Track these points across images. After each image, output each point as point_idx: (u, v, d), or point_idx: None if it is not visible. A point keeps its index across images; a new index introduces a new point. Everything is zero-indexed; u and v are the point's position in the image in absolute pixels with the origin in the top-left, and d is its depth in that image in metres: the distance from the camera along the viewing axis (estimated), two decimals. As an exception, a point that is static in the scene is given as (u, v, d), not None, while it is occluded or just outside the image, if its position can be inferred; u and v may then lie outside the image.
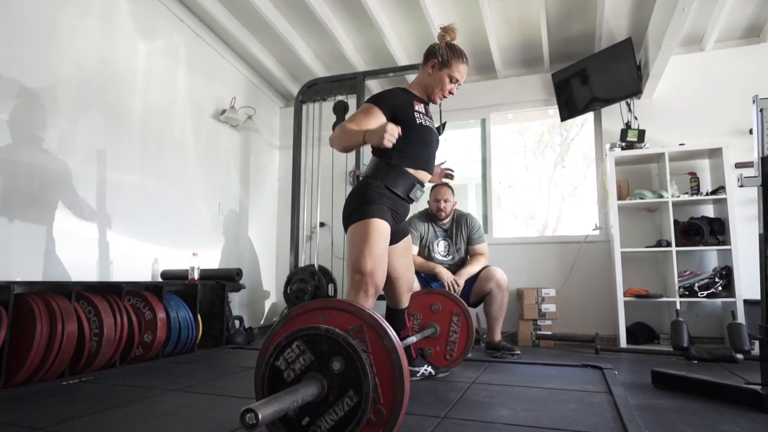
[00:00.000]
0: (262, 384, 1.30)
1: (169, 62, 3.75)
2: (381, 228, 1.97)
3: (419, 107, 2.16)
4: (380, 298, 2.70)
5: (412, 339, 2.27)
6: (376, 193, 2.04)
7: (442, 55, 2.14)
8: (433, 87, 2.17)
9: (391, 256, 2.13)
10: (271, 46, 4.36)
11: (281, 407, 1.09)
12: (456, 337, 2.66)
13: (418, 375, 2.40)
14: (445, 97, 2.20)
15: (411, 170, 2.11)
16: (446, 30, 2.18)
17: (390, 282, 2.23)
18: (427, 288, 3.11)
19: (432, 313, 2.69)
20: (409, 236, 2.35)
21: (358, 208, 2.01)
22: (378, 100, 2.07)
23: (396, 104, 2.08)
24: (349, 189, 4.51)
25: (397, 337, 1.29)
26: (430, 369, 2.44)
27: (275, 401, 1.08)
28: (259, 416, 0.99)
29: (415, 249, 3.34)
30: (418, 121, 2.11)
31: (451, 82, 2.16)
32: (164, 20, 3.69)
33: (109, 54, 3.23)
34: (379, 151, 2.12)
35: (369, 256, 1.91)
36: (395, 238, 2.15)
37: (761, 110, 1.93)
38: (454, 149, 5.58)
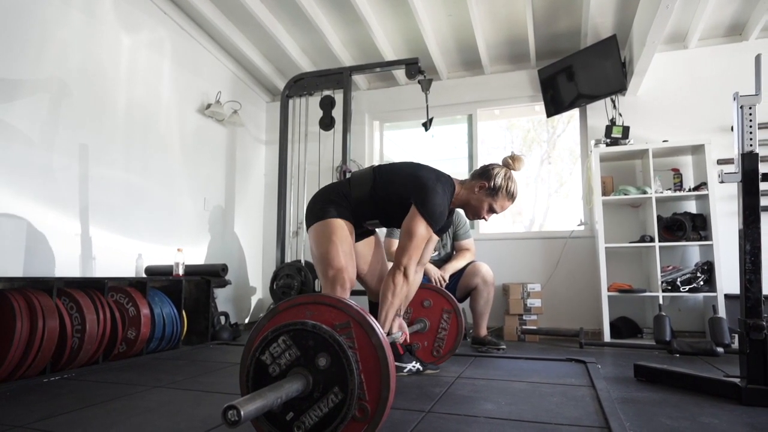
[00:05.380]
0: (247, 378, 1.29)
1: (154, 56, 3.70)
2: (344, 225, 2.02)
3: (441, 225, 2.12)
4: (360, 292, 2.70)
5: (398, 335, 2.27)
6: (338, 195, 2.09)
7: (496, 184, 2.08)
8: (471, 206, 2.13)
9: (356, 257, 2.15)
10: (257, 40, 4.32)
11: (264, 404, 1.08)
12: (445, 334, 2.66)
13: (405, 371, 2.40)
14: (476, 218, 2.18)
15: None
16: (514, 159, 2.12)
17: (360, 279, 2.27)
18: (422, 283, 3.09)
19: (423, 309, 2.70)
20: (372, 237, 2.36)
21: (320, 209, 2.06)
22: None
23: (437, 228, 2.04)
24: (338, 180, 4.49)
25: (384, 334, 1.29)
26: (417, 365, 2.44)
27: (258, 398, 1.07)
28: (242, 413, 0.98)
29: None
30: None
31: (489, 211, 2.13)
32: (148, 13, 3.64)
33: (93, 47, 3.18)
34: (379, 177, 2.11)
35: (338, 250, 1.95)
36: (356, 238, 2.17)
37: (741, 107, 1.96)
38: (441, 145, 5.58)
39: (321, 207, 2.08)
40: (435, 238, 2.32)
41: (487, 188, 2.08)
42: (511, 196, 2.11)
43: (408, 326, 2.55)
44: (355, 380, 1.22)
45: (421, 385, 2.19)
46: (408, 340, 2.34)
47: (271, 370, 1.27)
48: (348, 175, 3.79)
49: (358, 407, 1.24)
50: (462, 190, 2.14)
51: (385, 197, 2.06)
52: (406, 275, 1.94)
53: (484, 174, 2.11)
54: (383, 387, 1.24)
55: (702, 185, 3.51)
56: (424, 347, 2.67)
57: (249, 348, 1.33)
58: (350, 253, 2.01)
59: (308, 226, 2.11)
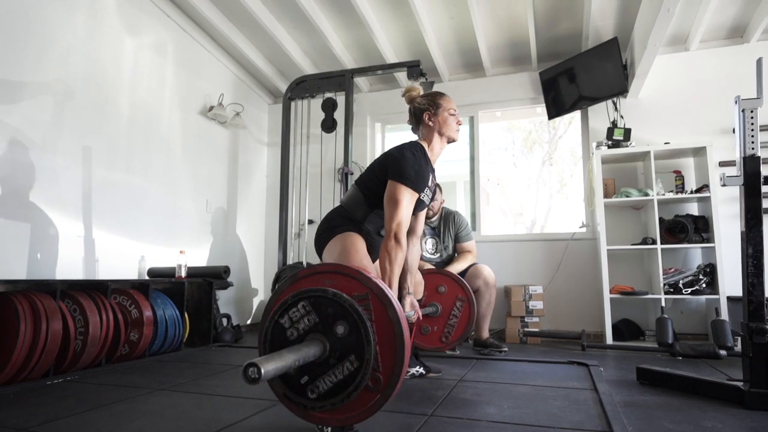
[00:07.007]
0: (264, 339, 1.32)
1: (156, 58, 3.71)
2: (357, 238, 2.07)
3: (430, 181, 2.19)
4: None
5: (411, 313, 2.26)
6: (342, 219, 2.15)
7: (428, 105, 2.23)
8: (443, 131, 2.23)
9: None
10: (259, 42, 4.33)
11: (284, 364, 1.10)
12: (455, 321, 2.68)
13: (408, 374, 2.41)
14: (456, 133, 2.27)
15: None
16: (409, 90, 2.29)
17: None
18: (438, 268, 3.11)
19: (437, 294, 2.72)
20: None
21: (332, 229, 2.11)
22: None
23: (423, 187, 2.09)
24: (338, 186, 4.51)
25: (401, 309, 1.31)
26: (421, 370, 2.45)
27: (278, 358, 1.09)
28: (262, 371, 1.00)
29: None
30: (422, 199, 2.16)
31: (452, 115, 2.24)
32: (151, 16, 3.65)
33: (96, 50, 3.19)
34: (365, 188, 2.15)
35: (355, 255, 1.97)
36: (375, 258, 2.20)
37: (743, 111, 1.96)
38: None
39: (330, 229, 2.13)
40: (424, 213, 2.36)
41: (431, 113, 2.22)
42: (441, 94, 2.28)
43: (421, 308, 2.56)
44: (371, 350, 1.24)
45: (423, 388, 2.19)
46: (421, 318, 2.37)
47: (289, 334, 1.30)
48: (349, 178, 3.83)
49: (371, 377, 1.26)
50: (428, 138, 2.24)
51: (378, 198, 2.09)
52: (398, 240, 1.95)
53: (417, 113, 2.25)
54: (397, 360, 1.26)
55: (704, 187, 3.51)
56: (433, 332, 2.69)
57: (268, 311, 1.35)
58: (367, 257, 2.04)
59: (322, 246, 2.15)
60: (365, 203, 2.13)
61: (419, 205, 2.18)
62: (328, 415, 1.30)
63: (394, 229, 1.95)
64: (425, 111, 2.22)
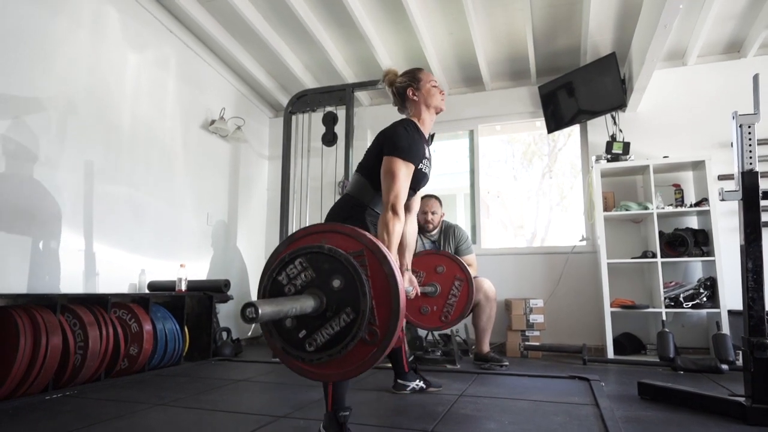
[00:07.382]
0: (263, 297, 1.34)
1: (159, 73, 3.74)
2: None
3: (427, 152, 2.22)
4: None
5: (409, 289, 2.25)
6: (357, 211, 2.13)
7: (409, 81, 2.28)
8: (430, 102, 2.27)
9: None
10: (261, 57, 4.37)
11: (280, 309, 1.12)
12: (455, 301, 2.69)
13: (408, 389, 2.40)
14: (442, 102, 2.31)
15: None
16: (386, 74, 2.34)
17: None
18: (435, 249, 3.12)
19: (435, 274, 2.73)
20: None
21: (342, 222, 2.06)
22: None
23: (419, 158, 2.12)
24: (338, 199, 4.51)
25: (396, 263, 1.32)
26: (421, 384, 2.44)
27: (275, 303, 1.12)
28: (259, 311, 1.02)
29: None
30: (423, 171, 2.18)
31: (435, 86, 2.28)
32: (154, 31, 3.69)
33: (99, 65, 3.22)
34: (366, 172, 2.16)
35: None
36: None
37: (741, 126, 1.98)
38: (443, 160, 5.61)
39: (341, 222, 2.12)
40: (420, 193, 2.37)
41: (414, 88, 2.27)
42: (420, 69, 2.34)
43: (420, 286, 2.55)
44: (367, 302, 1.26)
45: (423, 404, 2.18)
46: (419, 294, 2.37)
47: (287, 290, 1.33)
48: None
49: (368, 331, 1.27)
50: (417, 112, 2.27)
51: (379, 178, 2.10)
52: (395, 212, 1.96)
53: (401, 91, 2.29)
54: (393, 314, 1.27)
55: (703, 201, 3.52)
56: (432, 311, 2.70)
57: (266, 270, 1.38)
58: None
59: None
60: (369, 186, 2.15)
61: (422, 178, 2.20)
62: (326, 369, 1.31)
63: (391, 200, 1.97)
64: (408, 87, 2.26)
